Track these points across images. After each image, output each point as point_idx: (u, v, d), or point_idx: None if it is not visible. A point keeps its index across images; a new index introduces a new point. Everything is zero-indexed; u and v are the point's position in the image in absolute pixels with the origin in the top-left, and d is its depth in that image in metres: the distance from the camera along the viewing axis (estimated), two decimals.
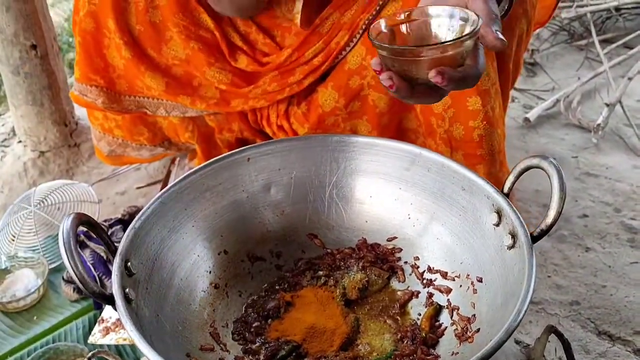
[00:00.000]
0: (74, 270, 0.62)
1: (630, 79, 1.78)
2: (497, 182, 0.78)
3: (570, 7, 2.15)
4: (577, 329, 1.12)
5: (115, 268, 0.68)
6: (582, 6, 2.14)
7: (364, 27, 1.01)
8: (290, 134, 1.15)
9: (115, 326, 1.08)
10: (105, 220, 1.27)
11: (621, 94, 1.72)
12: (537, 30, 2.15)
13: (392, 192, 0.88)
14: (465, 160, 1.03)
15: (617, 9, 2.17)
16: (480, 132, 1.02)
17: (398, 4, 0.99)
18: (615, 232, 1.33)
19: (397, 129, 1.12)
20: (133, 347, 1.07)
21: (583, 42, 2.10)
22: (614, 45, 2.02)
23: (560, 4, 2.02)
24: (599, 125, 1.61)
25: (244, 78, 1.14)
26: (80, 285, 0.63)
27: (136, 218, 0.76)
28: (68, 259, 0.63)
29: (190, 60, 1.12)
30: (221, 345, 0.78)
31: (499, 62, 1.03)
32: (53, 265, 1.24)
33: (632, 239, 1.31)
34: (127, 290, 0.68)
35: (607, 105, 1.67)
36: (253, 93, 1.13)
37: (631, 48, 2.01)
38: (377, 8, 1.00)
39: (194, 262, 0.83)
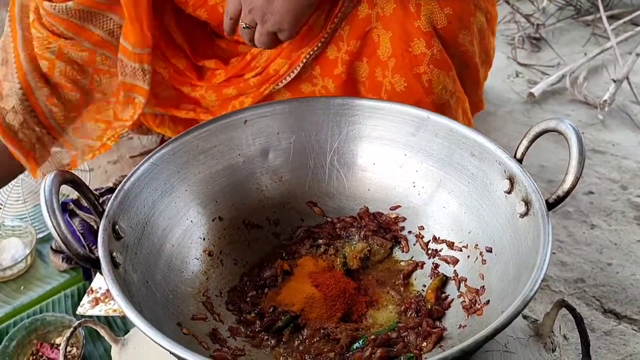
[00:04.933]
0: (55, 230, 0.58)
1: (638, 55, 1.74)
2: None
3: None
4: (582, 307, 1.09)
5: (101, 230, 0.64)
6: None
7: (304, 60, 1.00)
8: None
9: (105, 297, 1.05)
10: (96, 189, 1.23)
11: (628, 70, 1.68)
12: (544, 5, 2.11)
13: (397, 158, 0.84)
14: None
15: None
16: None
17: (343, 41, 0.98)
18: (621, 210, 1.30)
19: None
20: (123, 318, 1.04)
21: (590, 17, 2.05)
22: (620, 22, 1.98)
23: None
24: (605, 101, 1.57)
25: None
26: (63, 246, 0.58)
27: (125, 179, 0.71)
28: (50, 218, 0.58)
29: None
30: (214, 315, 0.74)
31: (464, 60, 1.00)
32: (41, 235, 1.21)
33: (638, 217, 1.28)
34: (114, 254, 0.64)
35: (615, 81, 1.63)
36: (202, 101, 1.13)
37: (638, 25, 1.97)
38: (319, 44, 0.99)
39: (187, 227, 0.78)
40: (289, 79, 1.02)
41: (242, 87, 1.07)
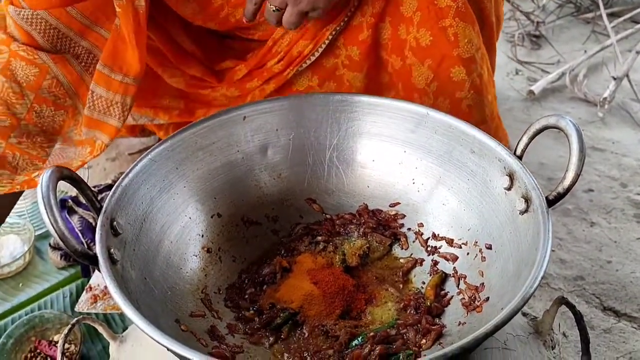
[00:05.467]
0: (53, 227, 0.58)
1: (638, 52, 1.74)
2: None
3: None
4: (582, 305, 1.09)
5: (99, 226, 0.64)
6: None
7: (330, 37, 0.99)
8: None
9: (104, 294, 1.05)
10: (94, 186, 1.22)
11: (628, 67, 1.67)
12: (544, 2, 2.11)
13: (396, 155, 0.84)
14: None
15: None
16: (469, 103, 0.99)
17: (365, 17, 0.97)
18: (621, 207, 1.29)
19: None
20: (121, 315, 1.03)
21: (590, 15, 2.05)
22: (621, 19, 1.97)
23: None
24: (605, 99, 1.57)
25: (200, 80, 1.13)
26: (61, 243, 0.58)
27: (123, 175, 0.71)
28: (47, 214, 0.58)
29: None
30: (213, 312, 0.74)
31: (481, 17, 1.00)
32: (40, 232, 1.20)
33: (638, 215, 1.27)
34: (112, 250, 0.64)
35: (615, 78, 1.63)
36: (218, 101, 1.11)
37: (638, 22, 1.96)
38: (346, 19, 0.97)
39: (185, 224, 0.78)
40: (313, 58, 1.01)
41: (265, 76, 1.05)
